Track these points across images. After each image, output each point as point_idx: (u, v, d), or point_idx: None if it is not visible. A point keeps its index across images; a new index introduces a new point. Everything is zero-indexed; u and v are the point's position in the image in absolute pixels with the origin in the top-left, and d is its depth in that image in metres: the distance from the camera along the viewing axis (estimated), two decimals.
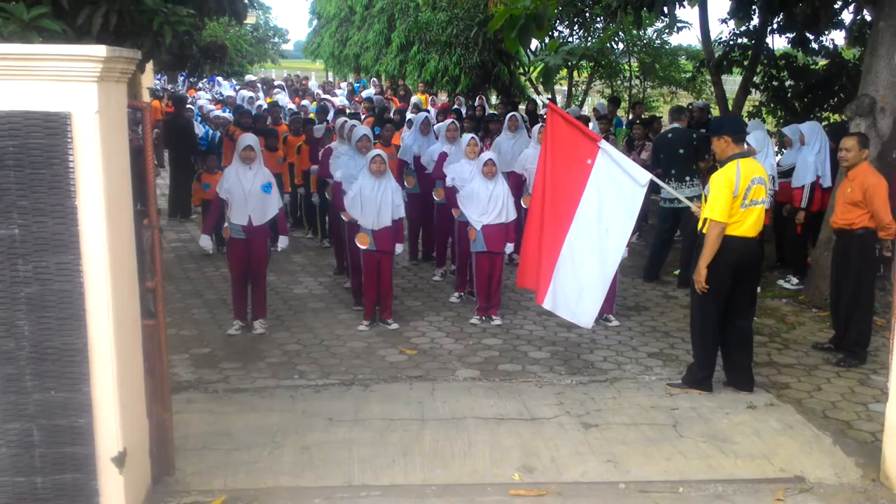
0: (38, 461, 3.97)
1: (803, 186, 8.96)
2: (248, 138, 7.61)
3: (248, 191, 7.32)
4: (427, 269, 9.98)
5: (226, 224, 7.49)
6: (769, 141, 9.33)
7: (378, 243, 7.57)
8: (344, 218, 7.98)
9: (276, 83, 24.12)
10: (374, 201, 7.49)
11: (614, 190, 6.10)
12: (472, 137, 8.64)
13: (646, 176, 6.13)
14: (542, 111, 16.38)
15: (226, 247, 7.82)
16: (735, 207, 5.86)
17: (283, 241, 7.73)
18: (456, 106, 16.60)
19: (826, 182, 8.87)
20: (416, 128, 10.47)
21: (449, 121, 10.15)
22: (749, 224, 5.93)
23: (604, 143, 6.16)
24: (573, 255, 6.14)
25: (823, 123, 11.80)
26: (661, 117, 14.93)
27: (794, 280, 9.17)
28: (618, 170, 6.10)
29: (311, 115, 14.35)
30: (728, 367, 6.30)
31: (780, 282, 9.27)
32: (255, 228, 7.42)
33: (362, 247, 7.57)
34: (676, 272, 9.40)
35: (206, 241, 7.70)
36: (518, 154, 9.76)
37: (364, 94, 20.98)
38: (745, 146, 6.31)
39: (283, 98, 19.68)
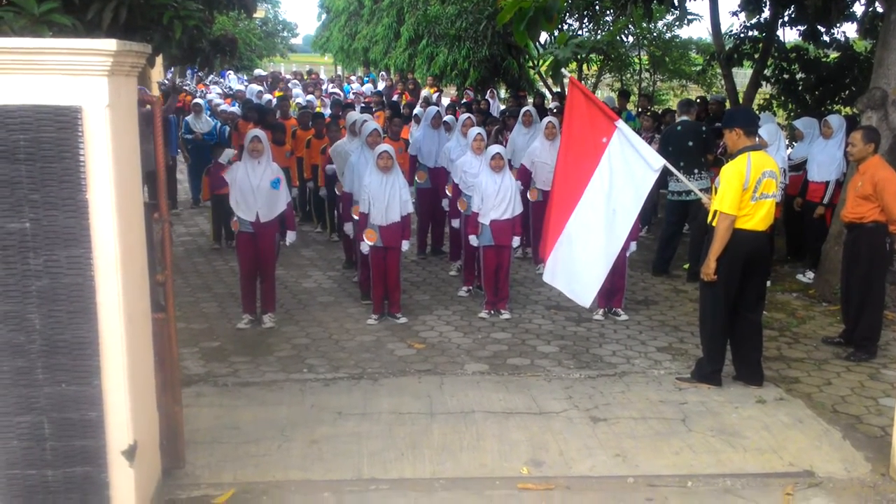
0: (49, 454, 3.98)
1: (827, 182, 8.89)
2: (255, 130, 7.63)
3: (257, 187, 7.32)
4: (435, 262, 9.98)
5: (234, 218, 7.50)
6: (781, 134, 9.27)
7: (386, 239, 7.57)
8: (354, 215, 7.98)
9: (290, 81, 23.85)
10: (382, 197, 7.48)
11: (626, 171, 6.06)
12: (479, 132, 8.63)
13: (659, 161, 6.09)
14: (550, 105, 16.34)
15: (235, 240, 7.83)
16: (745, 200, 5.83)
17: (290, 236, 7.78)
18: (465, 100, 16.58)
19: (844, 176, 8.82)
20: (425, 122, 10.46)
21: (465, 116, 10.13)
22: (759, 217, 5.90)
23: (621, 123, 6.12)
24: (578, 231, 6.12)
25: None
26: (675, 111, 14.79)
27: (811, 274, 9.10)
28: (632, 151, 6.05)
29: (318, 109, 14.37)
30: (737, 361, 6.28)
31: (799, 276, 9.20)
32: (264, 223, 7.43)
33: (370, 243, 7.57)
34: (686, 266, 9.37)
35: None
36: None
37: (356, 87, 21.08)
38: (757, 139, 6.28)
39: (298, 91, 19.68)
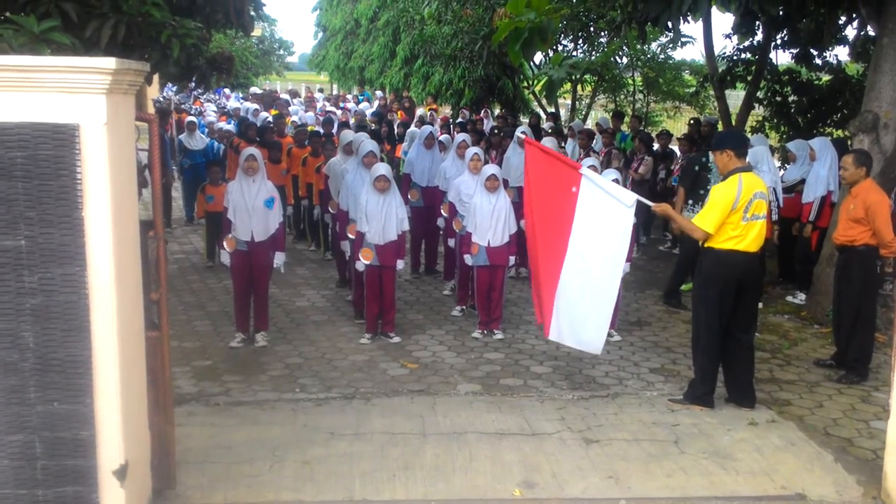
0: (40, 473, 3.97)
1: (813, 201, 8.96)
2: (250, 149, 7.65)
3: (252, 206, 7.32)
4: (429, 282, 9.98)
5: (230, 235, 7.48)
6: (768, 155, 9.29)
7: (382, 258, 7.57)
8: (350, 235, 7.98)
9: (291, 101, 23.59)
10: (379, 216, 7.49)
11: (603, 214, 6.01)
12: (476, 152, 8.66)
13: (631, 197, 6.03)
14: (545, 125, 16.44)
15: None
16: (736, 221, 5.87)
17: (279, 258, 7.66)
18: (461, 119, 16.65)
19: (837, 197, 8.86)
20: (419, 141, 10.49)
21: (461, 137, 10.16)
22: (750, 239, 5.93)
23: (584, 170, 6.10)
24: (571, 285, 6.02)
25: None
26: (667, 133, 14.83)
27: (802, 296, 9.13)
28: (603, 194, 6.00)
29: (312, 127, 14.40)
30: (729, 383, 6.29)
31: (789, 298, 9.23)
32: (258, 242, 7.43)
33: (366, 262, 7.57)
34: (684, 287, 9.35)
35: (225, 257, 7.60)
36: None
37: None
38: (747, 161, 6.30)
39: (296, 108, 19.69)
